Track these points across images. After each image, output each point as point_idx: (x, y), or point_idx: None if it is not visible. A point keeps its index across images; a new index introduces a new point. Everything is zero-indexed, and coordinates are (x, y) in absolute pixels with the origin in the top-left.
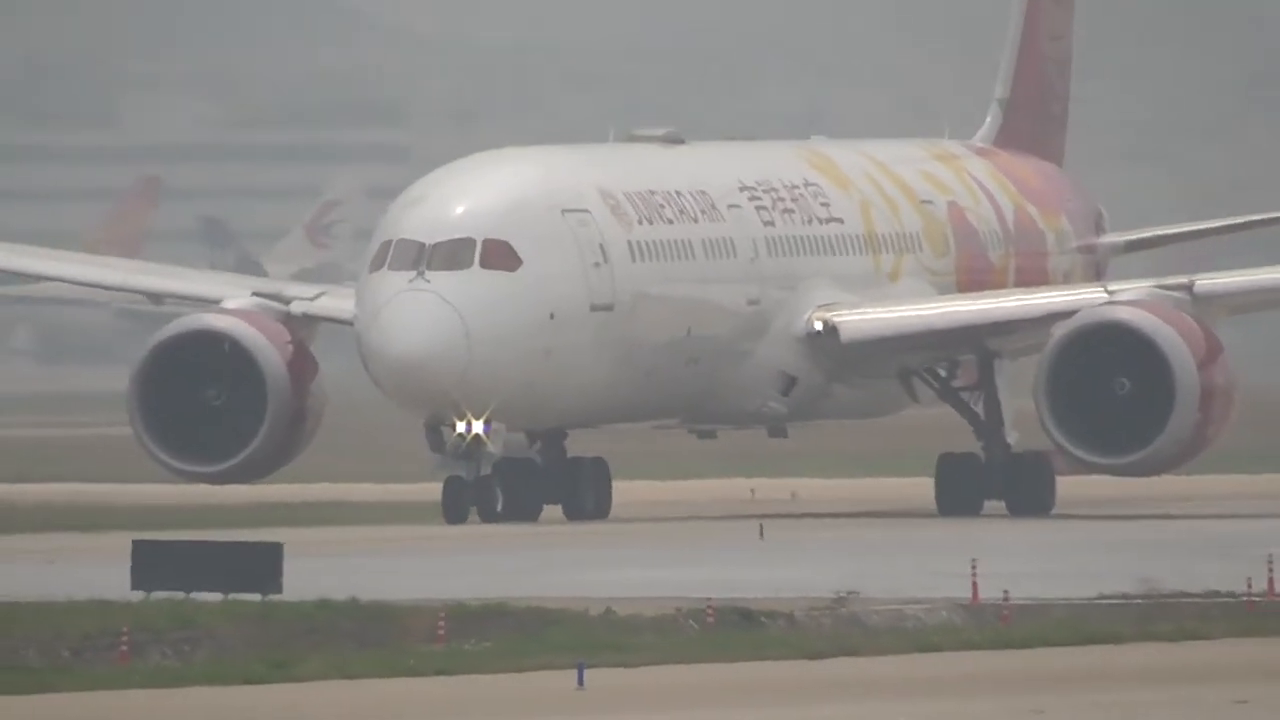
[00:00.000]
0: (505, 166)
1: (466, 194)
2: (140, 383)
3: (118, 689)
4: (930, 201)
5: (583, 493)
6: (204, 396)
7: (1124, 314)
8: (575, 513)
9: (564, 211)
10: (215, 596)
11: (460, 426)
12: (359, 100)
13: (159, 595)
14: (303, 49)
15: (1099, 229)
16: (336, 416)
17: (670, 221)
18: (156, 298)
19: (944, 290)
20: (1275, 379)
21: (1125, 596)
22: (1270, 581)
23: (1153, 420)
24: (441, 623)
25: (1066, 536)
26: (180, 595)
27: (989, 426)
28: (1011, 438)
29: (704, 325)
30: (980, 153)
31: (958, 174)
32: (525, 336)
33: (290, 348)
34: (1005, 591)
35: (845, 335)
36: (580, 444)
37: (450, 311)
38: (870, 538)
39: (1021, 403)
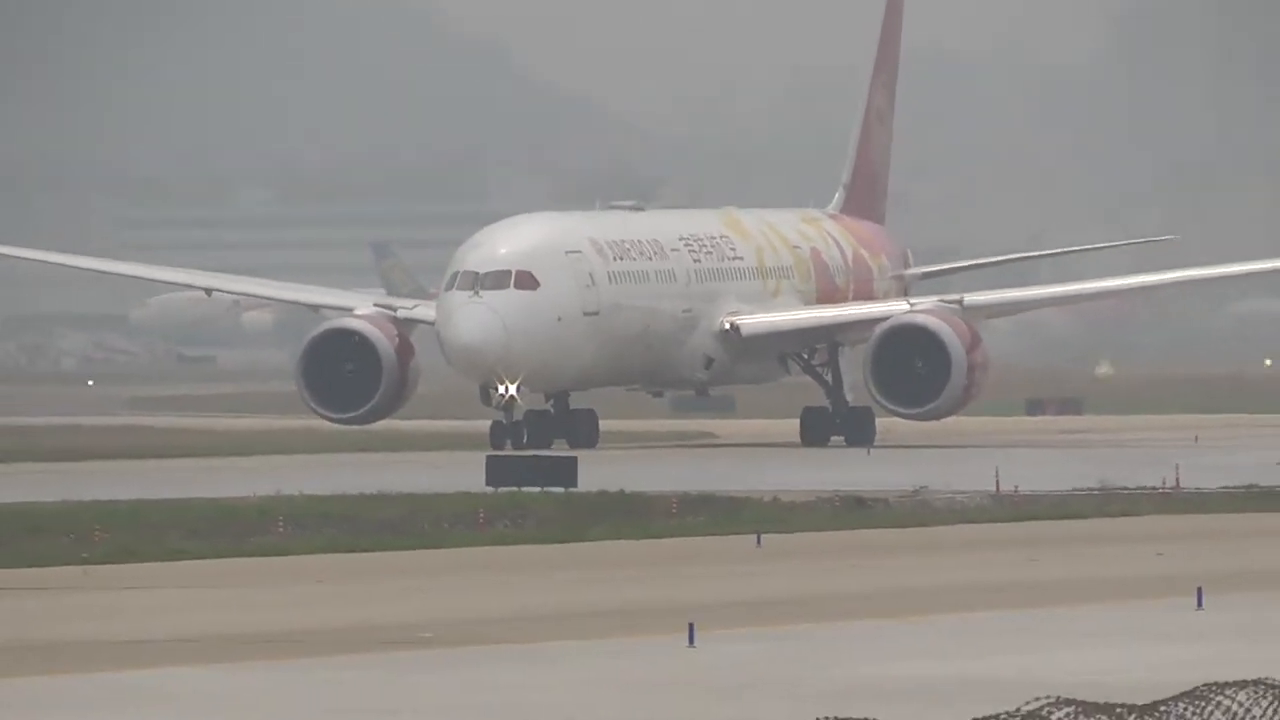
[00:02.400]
0: (530, 224)
1: (506, 241)
2: (303, 361)
3: (476, 546)
4: (799, 247)
5: (579, 432)
6: (342, 369)
7: (920, 319)
8: (575, 444)
9: (567, 252)
10: (536, 489)
11: (501, 389)
12: (620, 185)
13: (502, 489)
14: (587, 146)
15: (906, 265)
16: (424, 383)
17: (634, 259)
18: (315, 308)
19: (808, 303)
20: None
21: (1089, 489)
22: (1177, 479)
23: (936, 386)
24: (674, 505)
25: (1054, 454)
26: (515, 488)
27: (834, 389)
28: (849, 396)
29: (656, 325)
30: (832, 217)
31: (818, 230)
32: (542, 332)
33: (397, 339)
34: (1016, 486)
35: (745, 332)
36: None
37: (495, 316)
38: (930, 454)
39: (855, 374)
